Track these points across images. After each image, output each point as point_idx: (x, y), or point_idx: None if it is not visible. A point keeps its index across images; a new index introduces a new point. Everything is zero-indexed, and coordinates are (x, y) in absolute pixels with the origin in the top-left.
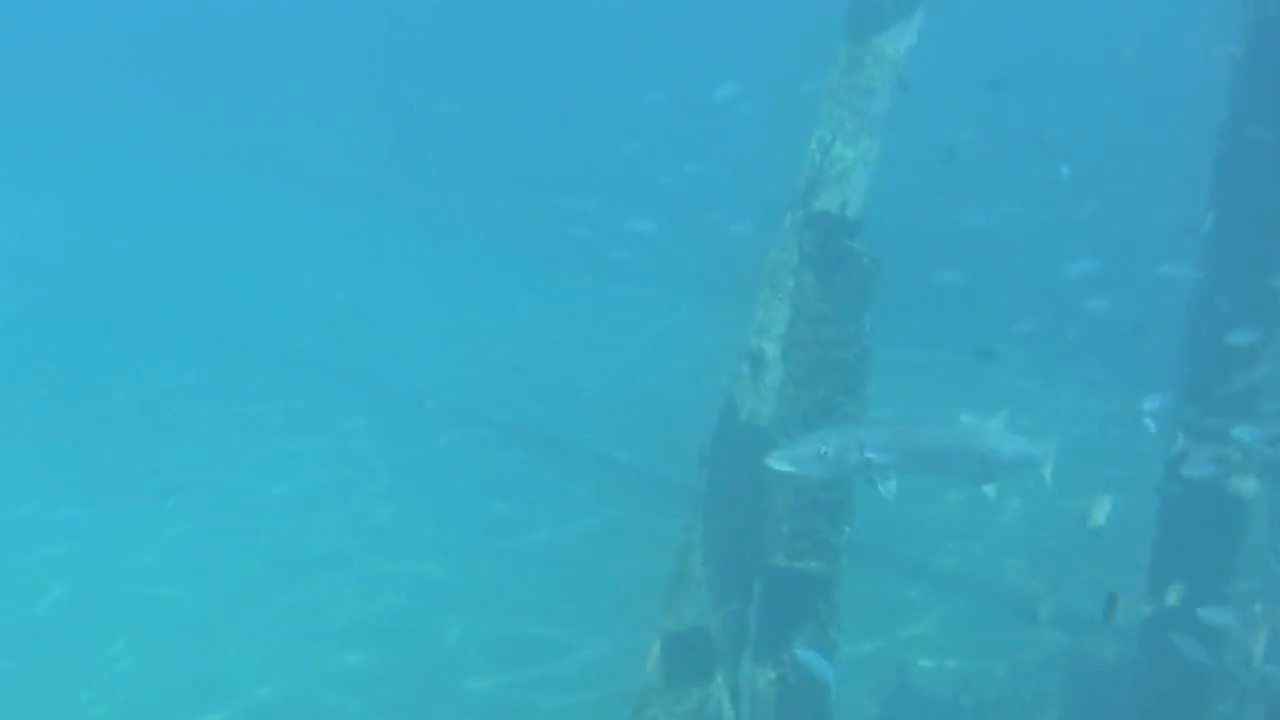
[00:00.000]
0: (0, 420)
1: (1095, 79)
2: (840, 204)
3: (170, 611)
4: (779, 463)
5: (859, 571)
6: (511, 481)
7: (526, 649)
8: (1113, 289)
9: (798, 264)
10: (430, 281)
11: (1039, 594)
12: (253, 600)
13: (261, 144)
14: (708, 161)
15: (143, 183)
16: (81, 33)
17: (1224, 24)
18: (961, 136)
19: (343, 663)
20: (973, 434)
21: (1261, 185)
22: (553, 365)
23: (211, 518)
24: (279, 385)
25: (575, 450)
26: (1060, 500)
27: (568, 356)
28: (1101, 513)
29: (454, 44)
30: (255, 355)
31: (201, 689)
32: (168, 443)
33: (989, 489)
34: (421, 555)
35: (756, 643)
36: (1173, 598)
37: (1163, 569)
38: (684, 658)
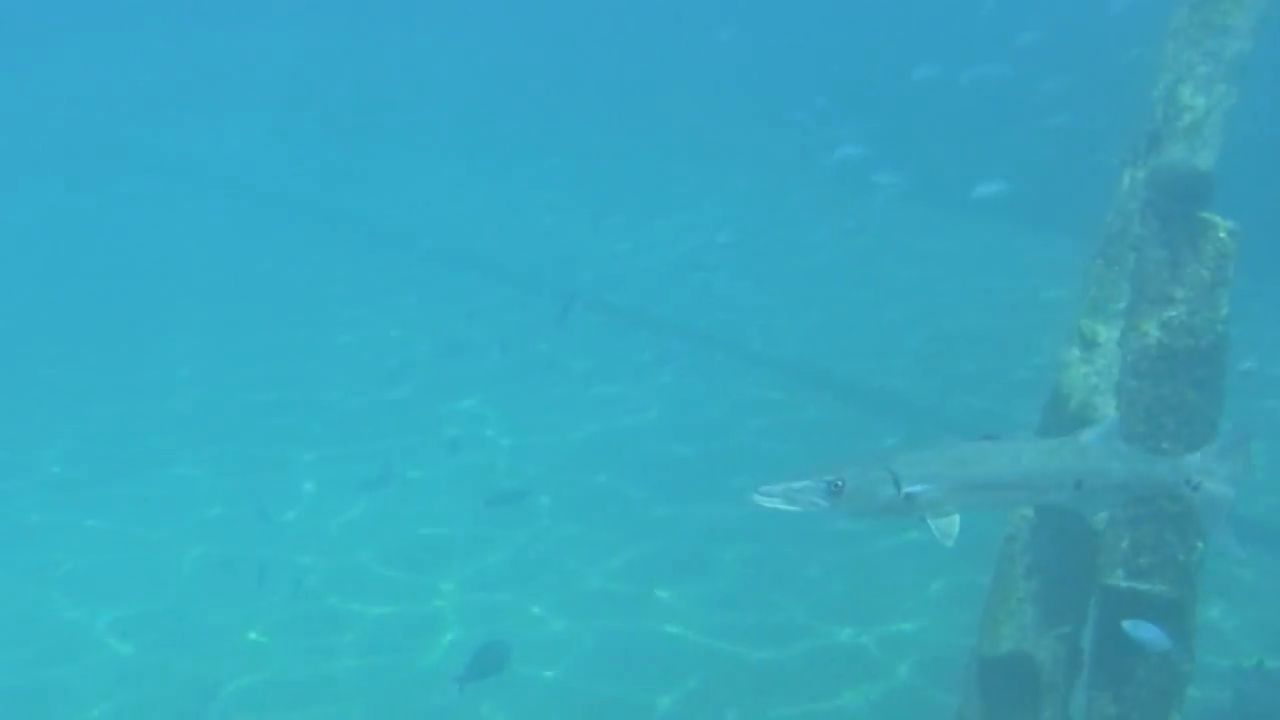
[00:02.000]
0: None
1: None
2: (1190, 162)
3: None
4: (768, 499)
5: None
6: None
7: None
8: None
9: (1139, 234)
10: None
11: None
12: None
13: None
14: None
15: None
16: None
17: None
18: None
19: None
20: (1065, 450)
21: None
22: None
23: None
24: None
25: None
26: None
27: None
28: None
29: None
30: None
31: None
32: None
33: (1099, 520)
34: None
35: (1091, 673)
36: None
37: None
38: (1004, 687)
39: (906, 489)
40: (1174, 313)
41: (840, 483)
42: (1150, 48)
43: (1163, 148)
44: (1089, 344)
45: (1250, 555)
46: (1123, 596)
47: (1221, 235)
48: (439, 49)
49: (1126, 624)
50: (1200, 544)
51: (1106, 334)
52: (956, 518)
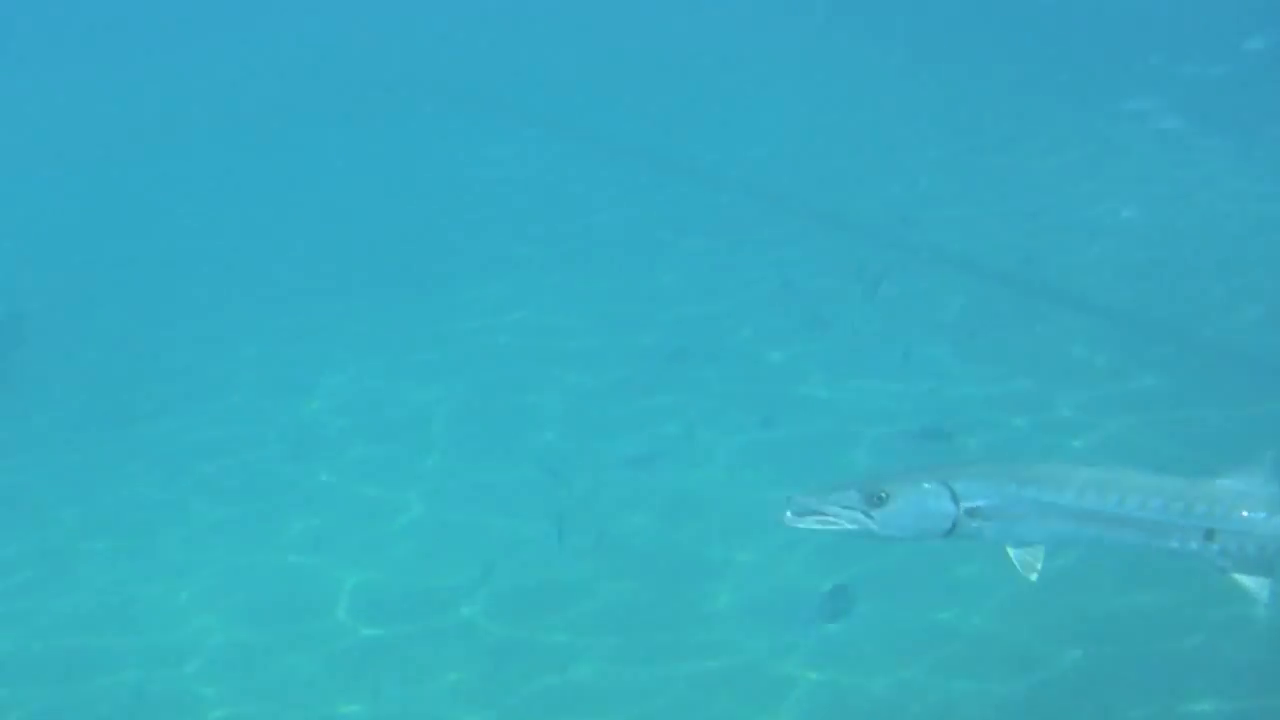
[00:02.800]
0: None
1: None
2: None
3: None
4: (801, 519)
5: None
6: None
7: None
8: None
9: None
10: None
11: None
12: None
13: None
14: None
15: None
16: None
17: None
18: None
19: None
20: (1192, 491)
21: None
22: None
23: None
24: None
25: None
26: None
27: None
28: None
29: None
30: None
31: None
32: None
33: (1252, 583)
34: None
35: None
36: None
37: None
38: None
39: (967, 504)
40: None
41: (884, 494)
42: None
43: None
44: None
45: None
46: None
47: None
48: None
49: None
50: None
51: None
52: (1041, 549)
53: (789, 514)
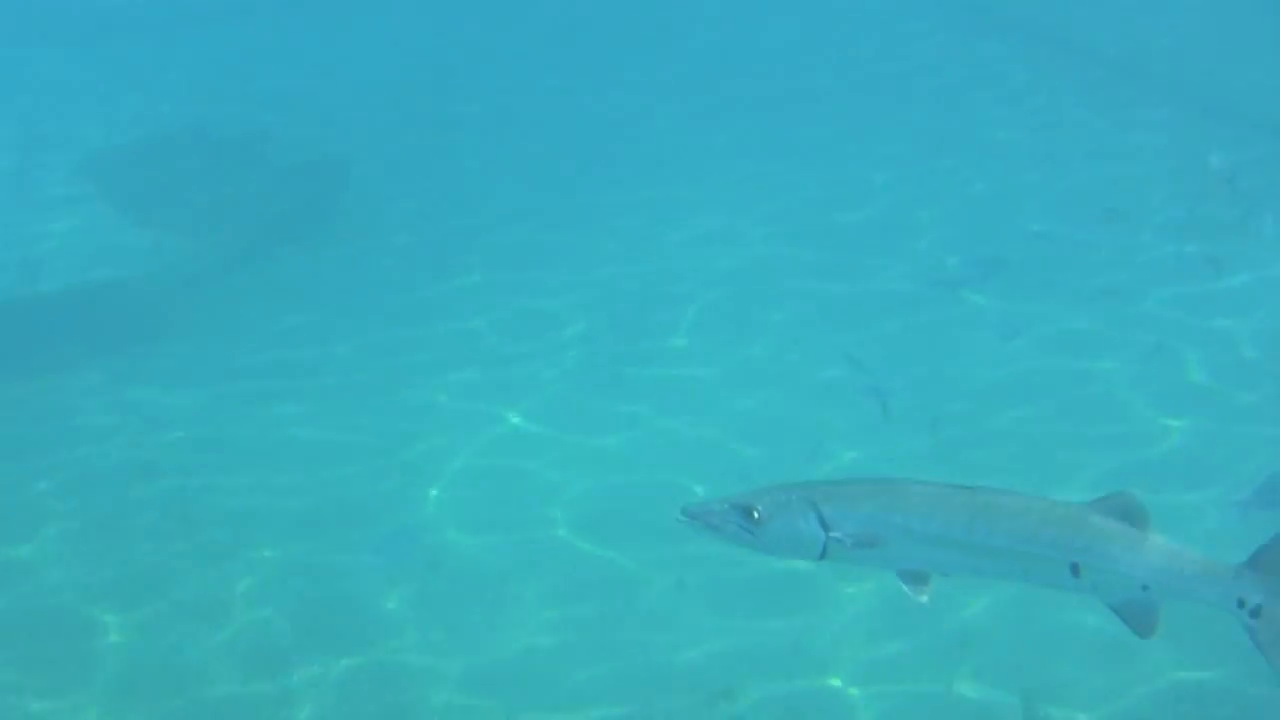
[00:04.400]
0: None
1: None
2: None
3: None
4: (693, 520)
5: None
6: None
7: None
8: None
9: None
10: None
11: None
12: None
13: None
14: None
15: None
16: None
17: None
18: None
19: None
20: (1060, 519)
21: None
22: None
23: None
24: None
25: None
26: None
27: None
28: None
29: None
30: None
31: None
32: None
33: (1133, 621)
34: None
35: None
36: None
37: None
38: None
39: (834, 532)
40: None
41: (756, 513)
42: None
43: None
44: None
45: None
46: None
47: None
48: None
49: None
50: None
51: None
52: (928, 577)
53: (683, 516)
